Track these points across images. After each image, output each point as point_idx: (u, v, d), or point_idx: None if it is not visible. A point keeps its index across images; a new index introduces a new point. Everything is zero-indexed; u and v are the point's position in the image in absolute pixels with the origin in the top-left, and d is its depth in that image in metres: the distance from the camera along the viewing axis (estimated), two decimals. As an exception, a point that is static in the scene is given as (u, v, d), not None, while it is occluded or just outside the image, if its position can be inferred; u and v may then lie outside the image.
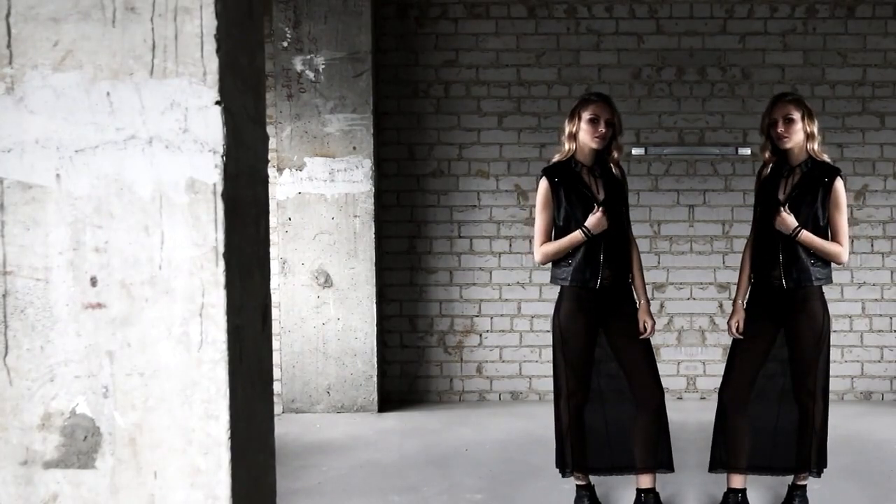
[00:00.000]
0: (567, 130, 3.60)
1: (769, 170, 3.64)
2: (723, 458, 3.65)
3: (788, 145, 3.52)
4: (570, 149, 3.60)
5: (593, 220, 3.51)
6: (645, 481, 3.65)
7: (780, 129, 3.51)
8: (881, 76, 5.93)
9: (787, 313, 3.56)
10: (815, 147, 3.54)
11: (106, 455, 1.69)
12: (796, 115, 3.50)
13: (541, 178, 3.64)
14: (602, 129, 3.53)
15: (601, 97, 3.60)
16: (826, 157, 3.57)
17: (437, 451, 4.78)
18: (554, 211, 3.60)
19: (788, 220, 3.48)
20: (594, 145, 3.55)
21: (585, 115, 3.55)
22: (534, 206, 3.90)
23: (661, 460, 3.63)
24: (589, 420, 3.67)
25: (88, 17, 1.66)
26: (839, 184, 3.52)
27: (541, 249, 3.64)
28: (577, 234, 3.54)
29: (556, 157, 3.65)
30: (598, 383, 3.68)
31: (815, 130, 3.55)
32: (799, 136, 3.51)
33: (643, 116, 5.95)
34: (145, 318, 1.68)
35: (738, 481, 3.65)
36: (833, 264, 3.58)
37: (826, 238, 3.54)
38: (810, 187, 3.50)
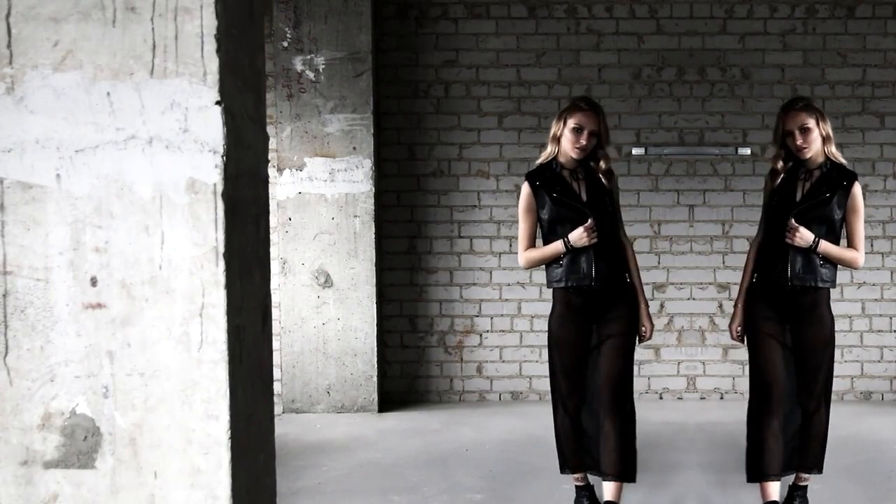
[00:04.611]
0: (552, 132, 3.58)
1: (783, 177, 3.57)
2: (758, 467, 3.56)
3: (809, 155, 3.48)
4: (552, 151, 3.58)
5: (577, 233, 3.47)
6: (610, 493, 3.54)
7: (799, 140, 3.45)
8: (881, 76, 5.93)
9: (794, 317, 3.54)
10: (833, 149, 3.52)
11: (106, 455, 1.69)
12: (811, 123, 3.45)
13: (523, 182, 3.63)
14: (584, 140, 3.49)
15: (590, 106, 3.55)
16: (842, 160, 3.55)
17: (437, 451, 4.78)
18: (538, 214, 3.58)
19: (805, 234, 3.43)
20: (574, 155, 3.52)
21: (570, 123, 3.51)
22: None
23: (627, 470, 3.52)
24: (587, 420, 3.66)
25: (89, 17, 1.66)
26: (857, 188, 3.50)
27: (525, 255, 3.63)
28: (558, 245, 3.51)
29: (540, 159, 3.64)
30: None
31: (830, 131, 3.51)
32: (817, 143, 3.47)
33: (643, 116, 5.95)
34: (145, 318, 1.68)
35: (773, 493, 3.55)
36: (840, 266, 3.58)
37: (838, 240, 3.54)
38: (827, 188, 3.48)
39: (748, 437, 3.63)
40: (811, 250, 3.45)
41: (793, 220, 3.45)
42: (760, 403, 3.55)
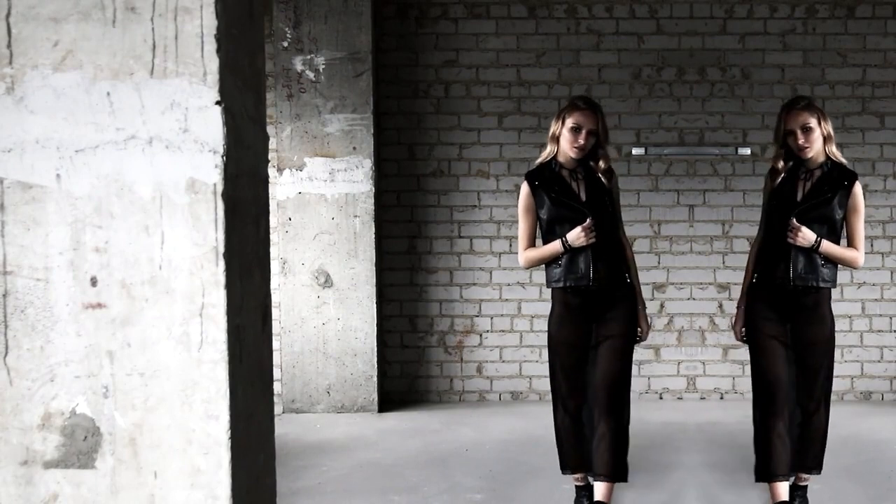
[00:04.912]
0: (551, 131, 3.57)
1: (784, 176, 3.55)
2: (766, 468, 3.53)
3: (811, 154, 3.46)
4: (551, 150, 3.57)
5: (574, 233, 3.46)
6: (601, 493, 3.53)
7: (801, 140, 3.43)
8: (881, 76, 5.93)
9: (796, 317, 3.53)
10: (833, 148, 3.50)
11: (106, 455, 1.69)
12: (813, 122, 3.43)
13: (523, 182, 3.63)
14: (582, 140, 3.47)
15: (588, 105, 3.53)
16: (843, 159, 3.53)
17: (437, 451, 4.78)
18: (537, 213, 3.57)
19: (807, 234, 3.42)
20: (573, 154, 3.50)
21: (568, 122, 3.49)
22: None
23: (619, 471, 3.53)
24: (588, 420, 3.66)
25: (89, 17, 1.66)
26: (858, 188, 3.50)
27: (524, 254, 3.63)
28: (556, 245, 3.50)
29: (540, 159, 3.63)
30: None
31: (831, 130, 3.50)
32: (819, 142, 3.46)
33: (643, 116, 5.95)
34: (145, 318, 1.68)
35: (782, 493, 3.53)
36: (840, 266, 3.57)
37: (839, 240, 3.53)
38: (828, 187, 3.47)
39: (755, 439, 3.61)
40: (813, 250, 3.45)
41: (794, 220, 3.45)
42: (765, 405, 3.54)
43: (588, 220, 3.47)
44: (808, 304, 3.51)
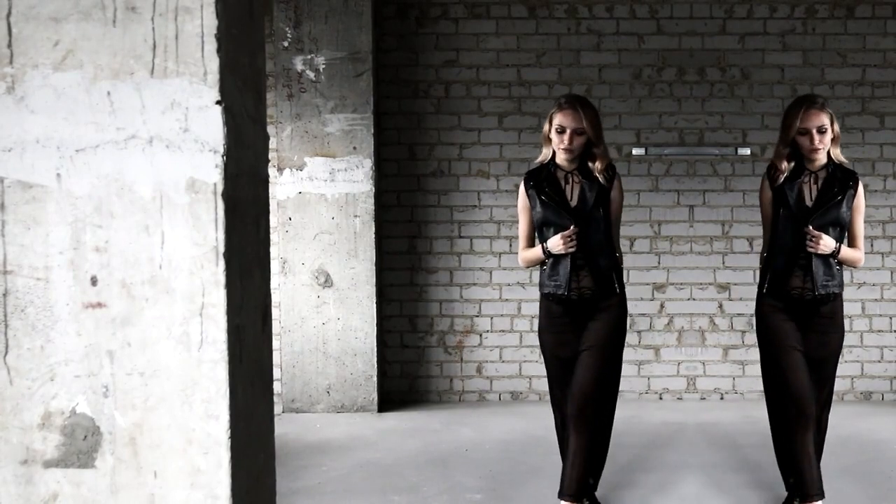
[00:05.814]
0: (543, 132, 3.51)
1: (785, 177, 3.45)
2: (803, 488, 3.45)
3: (821, 156, 3.40)
4: (547, 152, 3.50)
5: (554, 240, 3.39)
6: None
7: (816, 140, 3.34)
8: (881, 76, 5.93)
9: (814, 326, 3.46)
10: (837, 150, 3.43)
11: (106, 454, 1.69)
12: (828, 123, 3.36)
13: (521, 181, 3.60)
14: (567, 140, 3.36)
15: (573, 104, 3.38)
16: (843, 159, 3.47)
17: (437, 451, 4.78)
18: (531, 214, 3.52)
19: (828, 241, 3.36)
20: (562, 155, 3.41)
21: (554, 123, 3.40)
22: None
23: (584, 491, 3.48)
24: None
25: (89, 16, 1.66)
26: (861, 187, 3.46)
27: (521, 254, 3.60)
28: (538, 250, 3.46)
29: (539, 158, 3.56)
30: None
31: (839, 131, 3.44)
32: (829, 144, 3.40)
33: (644, 116, 5.95)
34: (145, 318, 1.68)
35: None
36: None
37: (843, 240, 3.50)
38: (837, 189, 3.41)
39: (785, 455, 3.52)
40: (831, 256, 3.39)
41: (812, 228, 3.37)
42: (794, 418, 3.42)
43: (570, 227, 3.38)
44: (825, 312, 3.44)
